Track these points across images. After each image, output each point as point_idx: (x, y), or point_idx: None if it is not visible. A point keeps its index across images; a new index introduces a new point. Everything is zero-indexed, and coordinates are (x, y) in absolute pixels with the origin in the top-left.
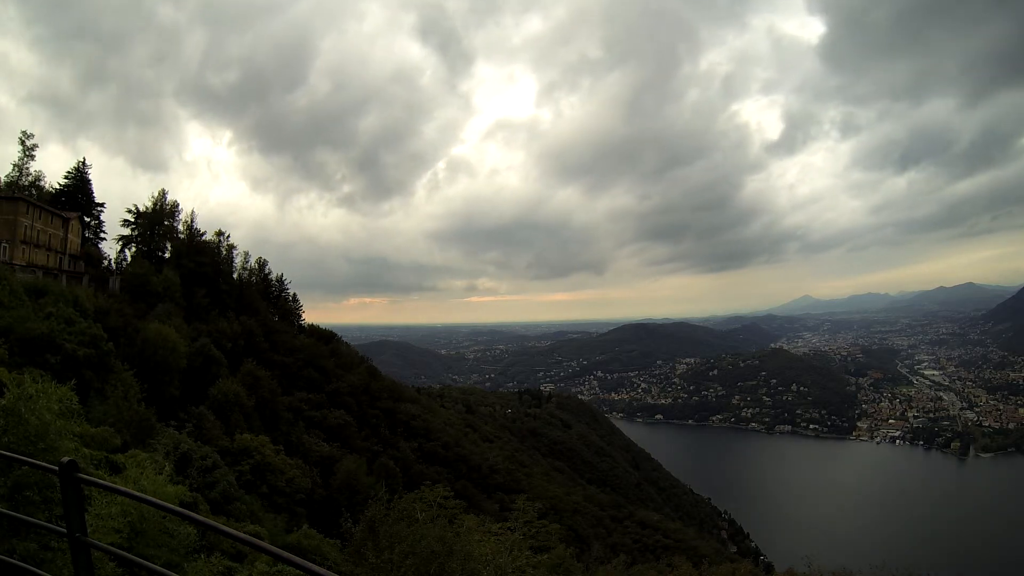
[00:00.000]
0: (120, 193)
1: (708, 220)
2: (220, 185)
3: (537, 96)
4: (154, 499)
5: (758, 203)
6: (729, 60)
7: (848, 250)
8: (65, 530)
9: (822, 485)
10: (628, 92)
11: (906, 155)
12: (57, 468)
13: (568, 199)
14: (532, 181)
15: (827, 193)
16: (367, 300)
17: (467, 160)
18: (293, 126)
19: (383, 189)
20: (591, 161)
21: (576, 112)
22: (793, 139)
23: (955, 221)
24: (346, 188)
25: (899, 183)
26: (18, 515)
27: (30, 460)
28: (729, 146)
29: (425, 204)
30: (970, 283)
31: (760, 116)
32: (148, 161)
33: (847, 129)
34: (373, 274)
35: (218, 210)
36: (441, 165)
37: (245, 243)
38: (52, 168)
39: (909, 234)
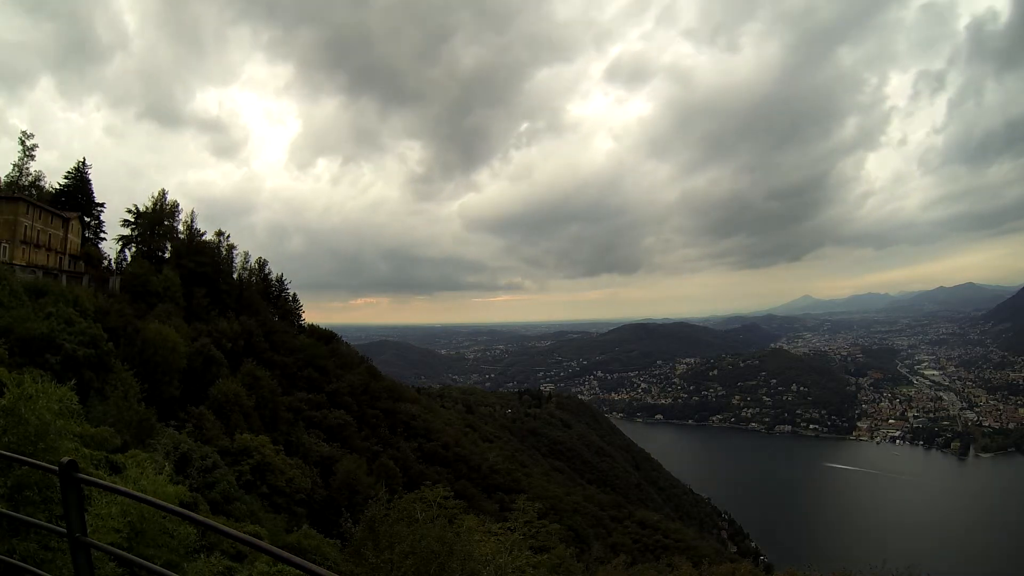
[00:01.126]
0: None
1: (784, 208)
2: None
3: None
4: (154, 499)
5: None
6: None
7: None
8: (65, 530)
9: (822, 485)
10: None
11: None
12: (57, 468)
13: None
14: (624, 151)
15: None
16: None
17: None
18: None
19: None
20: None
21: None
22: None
23: None
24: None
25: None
26: (18, 515)
27: (30, 460)
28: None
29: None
30: (970, 283)
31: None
32: None
33: None
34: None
35: None
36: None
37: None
38: None
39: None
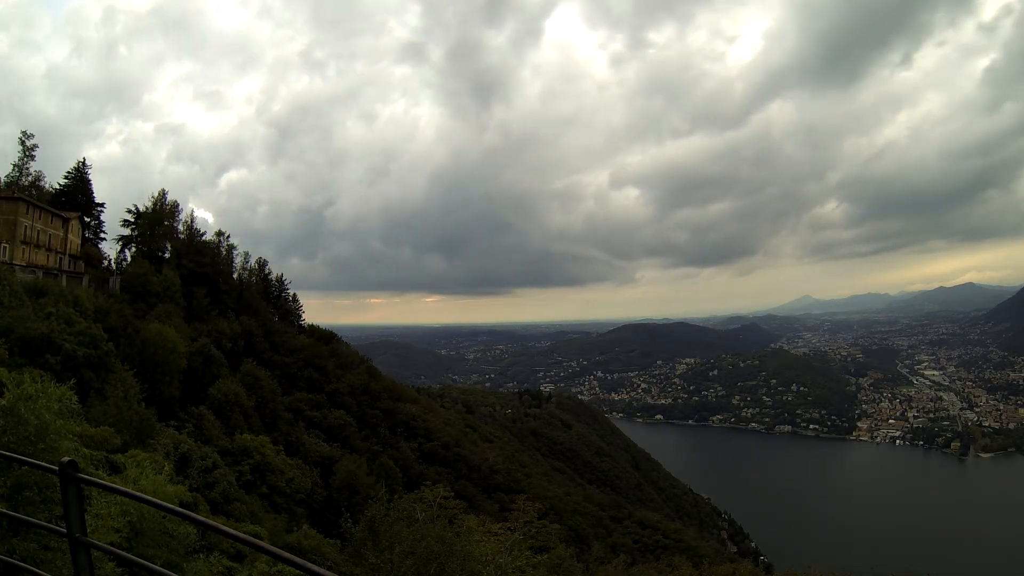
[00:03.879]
0: None
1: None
2: None
3: None
4: (154, 499)
5: None
6: None
7: None
8: (65, 530)
9: (822, 485)
10: None
11: None
12: (57, 468)
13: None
14: None
15: None
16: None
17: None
18: None
19: None
20: None
21: None
22: None
23: None
24: None
25: None
26: (18, 515)
27: (30, 460)
28: None
29: None
30: (970, 283)
31: None
32: None
33: None
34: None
35: None
36: None
37: None
38: None
39: None
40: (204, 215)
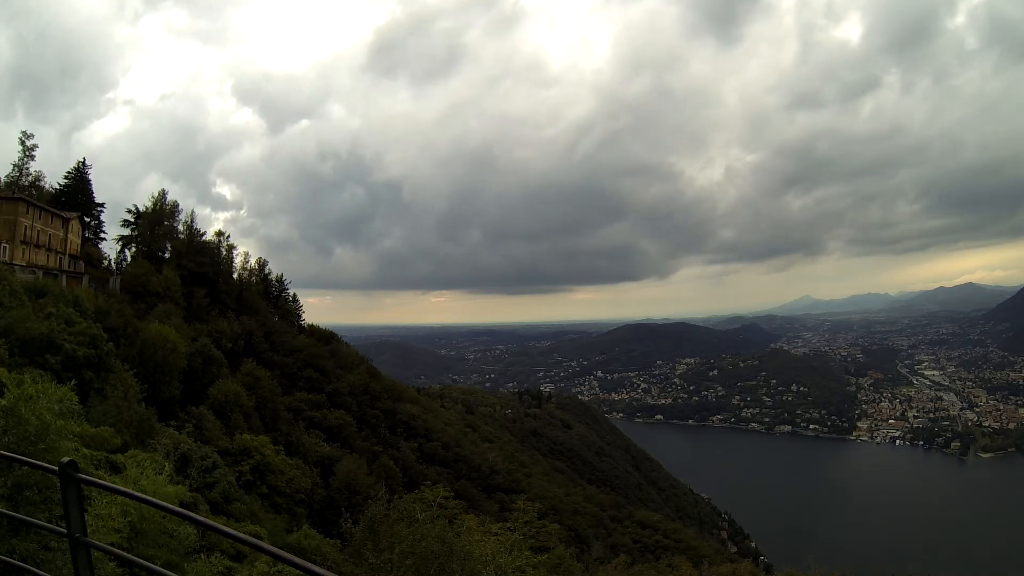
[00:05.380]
0: None
1: None
2: None
3: None
4: (154, 499)
5: None
6: None
7: None
8: (65, 530)
9: (822, 485)
10: None
11: None
12: (57, 468)
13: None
14: None
15: None
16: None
17: None
18: None
19: None
20: None
21: None
22: None
23: None
24: None
25: None
26: (18, 515)
27: (30, 460)
28: None
29: None
30: (970, 283)
31: None
32: None
33: None
34: None
35: None
36: None
37: None
38: None
39: None
40: None
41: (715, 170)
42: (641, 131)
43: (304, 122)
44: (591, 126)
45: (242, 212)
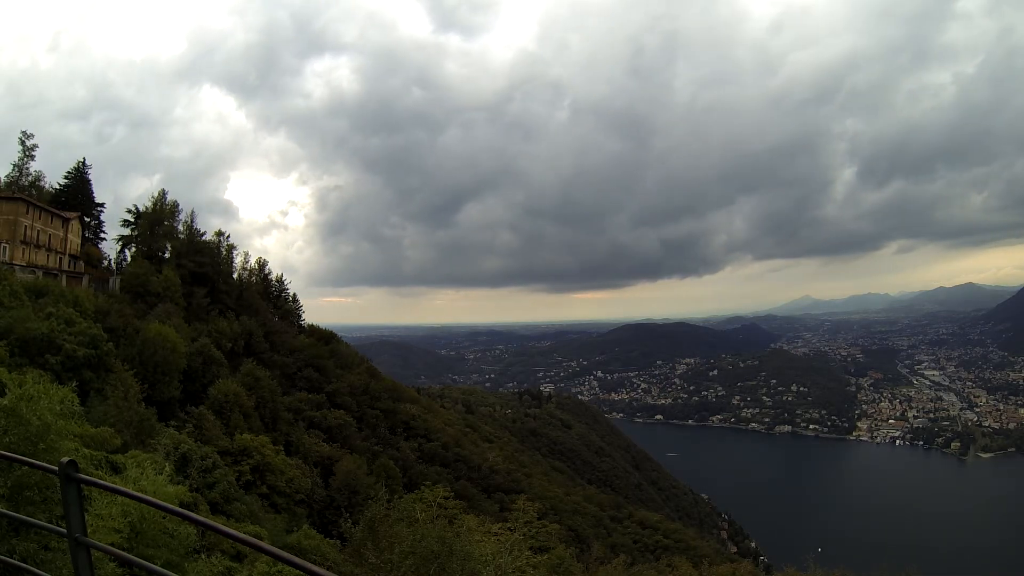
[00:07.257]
0: None
1: None
2: None
3: None
4: (154, 499)
5: None
6: None
7: None
8: (65, 530)
9: (822, 485)
10: None
11: None
12: (57, 468)
13: None
14: None
15: None
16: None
17: None
18: None
19: None
20: None
21: None
22: None
23: None
24: None
25: None
26: (18, 515)
27: (30, 460)
28: None
29: None
30: (970, 283)
31: None
32: None
33: None
34: None
35: None
36: None
37: None
38: None
39: None
40: None
41: None
42: None
43: None
44: None
45: None
